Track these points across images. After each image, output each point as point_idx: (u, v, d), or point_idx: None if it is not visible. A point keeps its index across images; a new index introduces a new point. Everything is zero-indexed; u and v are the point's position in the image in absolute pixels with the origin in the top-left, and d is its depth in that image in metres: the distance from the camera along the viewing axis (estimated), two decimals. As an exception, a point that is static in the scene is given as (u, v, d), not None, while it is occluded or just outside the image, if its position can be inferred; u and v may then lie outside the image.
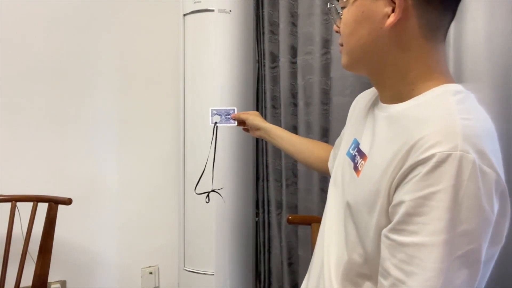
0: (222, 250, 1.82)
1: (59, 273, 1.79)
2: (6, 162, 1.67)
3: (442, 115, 0.58)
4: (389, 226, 0.59)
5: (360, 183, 0.70)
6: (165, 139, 2.03)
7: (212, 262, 1.81)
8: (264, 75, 1.96)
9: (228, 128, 1.78)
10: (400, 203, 0.57)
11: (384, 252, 0.60)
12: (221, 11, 1.77)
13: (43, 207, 1.48)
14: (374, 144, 0.70)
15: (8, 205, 1.49)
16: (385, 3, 0.64)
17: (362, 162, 0.71)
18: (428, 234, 0.54)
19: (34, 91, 1.73)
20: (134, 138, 1.97)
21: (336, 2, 0.75)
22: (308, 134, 1.79)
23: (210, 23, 1.78)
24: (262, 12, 1.94)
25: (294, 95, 1.86)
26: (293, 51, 1.85)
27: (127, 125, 1.95)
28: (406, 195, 0.56)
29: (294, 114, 1.87)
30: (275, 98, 1.94)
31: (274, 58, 1.94)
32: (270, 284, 2.01)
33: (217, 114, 1.32)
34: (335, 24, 0.77)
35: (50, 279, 1.52)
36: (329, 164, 1.07)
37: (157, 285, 2.07)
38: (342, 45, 0.74)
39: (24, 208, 1.50)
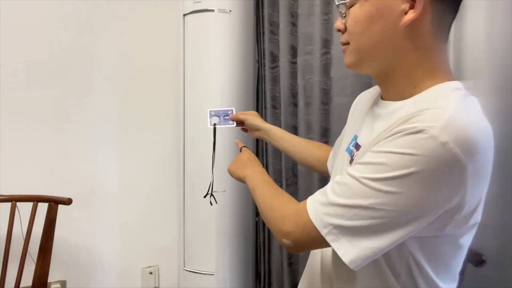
0: (222, 250, 1.82)
1: (59, 273, 1.79)
2: (6, 162, 1.67)
3: (439, 105, 0.60)
4: (353, 163, 0.66)
5: None
6: (165, 139, 2.03)
7: (212, 262, 1.81)
8: (264, 75, 1.96)
9: (228, 129, 1.78)
10: (367, 152, 0.64)
11: (337, 176, 0.67)
12: (221, 11, 1.77)
13: (43, 207, 1.48)
14: (370, 137, 0.71)
15: (8, 205, 1.49)
16: (402, 0, 0.63)
17: (356, 152, 0.74)
18: (368, 178, 0.60)
19: (34, 91, 1.73)
20: (134, 138, 1.97)
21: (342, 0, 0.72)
22: (308, 134, 1.79)
23: (210, 23, 1.78)
24: (262, 12, 1.94)
25: (294, 95, 1.86)
26: (293, 51, 1.85)
27: (127, 125, 1.95)
28: (375, 147, 0.62)
29: (294, 114, 1.87)
30: (275, 98, 1.94)
31: (274, 58, 1.94)
32: (270, 284, 2.01)
33: (216, 116, 1.32)
34: (342, 19, 0.72)
35: (50, 279, 1.52)
36: (328, 164, 1.07)
37: (157, 285, 2.07)
38: (346, 43, 0.72)
39: (24, 208, 1.50)
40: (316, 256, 0.84)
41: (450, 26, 0.68)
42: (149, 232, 2.02)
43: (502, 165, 1.17)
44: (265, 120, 1.97)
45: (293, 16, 1.84)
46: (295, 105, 1.85)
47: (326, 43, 1.72)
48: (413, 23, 0.63)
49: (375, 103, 0.78)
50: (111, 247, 1.94)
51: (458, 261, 0.68)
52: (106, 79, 1.89)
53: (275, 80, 1.93)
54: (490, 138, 0.61)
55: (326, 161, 1.10)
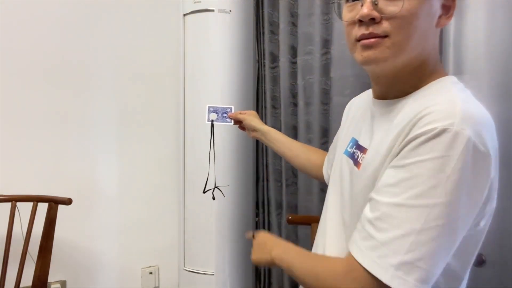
0: (222, 250, 1.82)
1: (59, 273, 1.79)
2: (6, 162, 1.67)
3: (445, 98, 0.61)
4: (376, 187, 0.62)
5: (360, 173, 0.71)
6: (165, 139, 2.03)
7: (212, 262, 1.81)
8: (264, 75, 1.96)
9: (227, 129, 1.78)
10: (391, 167, 0.60)
11: (365, 211, 0.62)
12: (221, 11, 1.77)
13: (43, 207, 1.48)
14: (373, 137, 0.71)
15: (8, 205, 1.49)
16: (439, 4, 0.66)
17: (363, 155, 0.72)
18: (410, 197, 0.56)
19: (34, 91, 1.73)
20: (134, 138, 1.97)
21: None
22: (308, 134, 1.79)
23: (210, 23, 1.78)
24: (262, 12, 1.94)
25: (294, 95, 1.86)
26: (293, 51, 1.85)
27: (127, 125, 1.95)
28: (399, 161, 0.59)
29: (294, 114, 1.87)
30: (275, 98, 1.94)
31: (274, 58, 1.94)
32: (270, 284, 2.01)
33: (214, 112, 1.31)
34: (375, 6, 0.64)
35: (50, 279, 1.52)
36: (324, 170, 1.07)
37: (157, 285, 2.07)
38: (382, 36, 0.65)
39: (24, 208, 1.50)
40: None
41: None
42: (149, 232, 2.02)
43: (502, 165, 1.17)
44: (265, 120, 1.97)
45: (293, 16, 1.84)
46: (295, 105, 1.85)
47: (326, 43, 1.72)
48: (442, 26, 0.67)
49: (371, 105, 0.78)
50: (111, 247, 1.94)
51: (476, 250, 0.67)
52: (106, 79, 1.89)
53: (275, 80, 1.93)
54: (494, 125, 0.62)
55: (321, 166, 1.10)
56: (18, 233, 1.50)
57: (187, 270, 1.88)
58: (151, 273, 2.04)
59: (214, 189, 1.40)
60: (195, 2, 1.78)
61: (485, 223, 0.64)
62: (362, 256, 0.59)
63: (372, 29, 0.64)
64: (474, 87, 0.68)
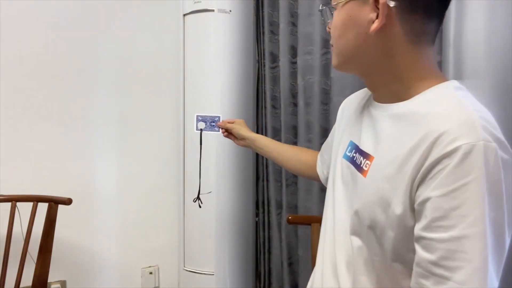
0: (222, 250, 1.82)
1: (59, 273, 1.79)
2: (6, 162, 1.67)
3: (457, 109, 0.60)
4: (421, 225, 0.58)
5: (369, 183, 0.69)
6: (165, 139, 2.02)
7: (212, 262, 1.81)
8: (264, 75, 1.96)
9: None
10: (428, 199, 0.57)
11: (421, 253, 0.59)
12: (221, 11, 1.77)
13: (43, 207, 1.48)
14: (379, 143, 0.69)
15: (8, 205, 1.49)
16: (370, 9, 0.65)
17: (368, 162, 0.70)
18: (468, 226, 0.54)
19: (34, 91, 1.73)
20: (134, 138, 1.97)
21: (329, 4, 0.76)
22: (308, 134, 1.79)
23: (210, 23, 1.78)
24: (262, 12, 1.94)
25: (294, 95, 1.86)
26: (293, 51, 1.85)
27: (127, 125, 1.95)
28: (435, 190, 0.56)
29: (294, 114, 1.87)
30: (275, 98, 1.94)
31: (274, 58, 1.94)
32: (270, 284, 2.01)
33: (202, 121, 1.34)
34: (327, 25, 0.78)
35: (50, 279, 1.52)
36: (319, 170, 1.06)
37: (157, 285, 2.07)
38: (333, 45, 0.76)
39: (24, 208, 1.50)
40: (326, 257, 0.82)
41: (435, 32, 0.68)
42: (149, 232, 2.02)
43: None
44: (265, 120, 1.97)
45: (293, 16, 1.84)
46: (295, 105, 1.85)
47: (326, 43, 1.72)
48: (383, 31, 0.65)
49: (369, 105, 0.78)
50: (111, 247, 1.94)
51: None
52: (106, 79, 1.89)
53: (275, 80, 1.93)
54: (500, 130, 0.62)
55: (313, 165, 1.10)
56: (18, 233, 1.50)
57: (187, 270, 1.88)
58: (151, 273, 2.04)
59: (197, 197, 1.47)
60: (195, 2, 1.78)
61: None
62: None
63: (331, 40, 0.76)
64: (476, 90, 0.68)
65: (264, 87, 1.97)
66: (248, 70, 1.91)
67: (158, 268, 2.07)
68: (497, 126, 0.60)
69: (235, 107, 1.84)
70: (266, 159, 1.97)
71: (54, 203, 1.48)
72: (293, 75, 1.85)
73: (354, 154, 0.76)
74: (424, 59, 0.68)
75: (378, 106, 0.74)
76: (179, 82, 1.89)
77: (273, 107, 1.95)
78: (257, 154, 2.01)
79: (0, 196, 1.52)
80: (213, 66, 1.78)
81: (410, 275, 0.63)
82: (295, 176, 1.87)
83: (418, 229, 0.59)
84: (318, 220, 1.19)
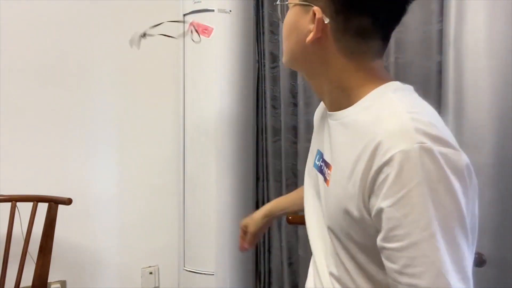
0: (222, 250, 1.82)
1: (59, 273, 1.79)
2: (6, 162, 1.67)
3: (390, 116, 0.61)
4: (381, 236, 0.59)
5: (331, 191, 0.71)
6: (165, 139, 2.02)
7: (212, 262, 1.81)
8: (264, 75, 1.96)
9: (227, 129, 1.79)
10: (381, 211, 0.58)
11: (386, 263, 0.60)
12: (221, 11, 1.77)
13: (43, 207, 1.48)
14: (334, 152, 0.72)
15: (8, 205, 1.49)
16: (310, 20, 0.67)
17: (328, 171, 0.73)
18: (422, 230, 0.55)
19: (34, 91, 1.73)
20: (134, 138, 1.97)
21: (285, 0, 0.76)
22: (308, 134, 1.79)
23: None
24: (262, 12, 1.94)
25: (294, 95, 1.86)
26: (293, 51, 1.85)
27: (127, 125, 1.95)
28: (384, 201, 0.58)
29: (294, 114, 1.87)
30: (275, 98, 1.94)
31: (274, 58, 1.94)
32: (270, 284, 2.01)
33: None
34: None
35: (50, 279, 1.52)
36: None
37: (157, 285, 2.07)
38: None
39: (24, 208, 1.50)
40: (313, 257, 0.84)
41: (378, 49, 0.69)
42: (149, 232, 2.02)
43: (502, 166, 1.17)
44: (265, 120, 1.97)
45: (293, 16, 1.83)
46: (295, 105, 1.85)
47: (326, 43, 1.71)
48: (318, 43, 0.68)
49: (326, 114, 0.79)
50: (111, 247, 1.94)
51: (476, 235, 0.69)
52: (105, 79, 1.89)
53: (275, 80, 1.93)
54: (440, 118, 0.64)
55: None
56: (18, 233, 1.50)
57: (187, 270, 1.88)
58: (151, 273, 2.04)
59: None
60: (195, 2, 1.78)
61: (477, 210, 0.64)
62: None
63: None
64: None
65: (264, 87, 1.96)
66: (248, 70, 1.91)
67: (158, 268, 2.07)
68: (434, 120, 0.60)
69: (235, 107, 1.84)
70: (267, 159, 1.97)
71: (54, 203, 1.48)
72: (293, 75, 1.85)
73: (322, 163, 0.78)
74: (361, 70, 0.69)
75: (330, 115, 0.75)
76: (179, 82, 1.89)
77: (273, 107, 1.95)
78: (257, 154, 2.01)
79: (0, 196, 1.52)
80: (213, 66, 1.78)
81: (373, 262, 0.66)
82: (295, 176, 1.87)
83: (379, 240, 0.60)
84: (318, 220, 1.18)
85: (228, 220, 1.84)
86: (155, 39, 2.01)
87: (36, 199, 1.50)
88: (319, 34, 0.67)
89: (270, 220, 1.15)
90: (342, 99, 0.70)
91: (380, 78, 0.69)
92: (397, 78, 1.48)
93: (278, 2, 0.77)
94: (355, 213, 0.64)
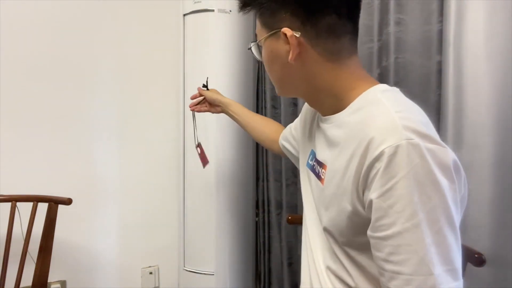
0: (222, 250, 1.82)
1: (59, 273, 1.79)
2: (6, 162, 1.67)
3: (380, 114, 0.65)
4: (369, 226, 0.63)
5: (326, 190, 0.76)
6: (165, 139, 2.03)
7: (212, 262, 1.81)
8: (264, 75, 1.96)
9: (227, 129, 1.79)
10: (370, 202, 0.62)
11: (373, 251, 0.64)
12: (221, 11, 1.77)
13: (43, 207, 1.48)
14: (330, 153, 0.76)
15: (8, 205, 1.49)
16: (283, 42, 0.73)
17: (323, 170, 0.77)
18: (405, 219, 0.58)
19: (34, 91, 1.73)
20: (134, 138, 1.97)
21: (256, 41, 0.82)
22: (308, 134, 1.79)
23: (210, 23, 1.78)
24: (262, 12, 1.94)
25: (294, 95, 1.86)
26: (293, 51, 1.85)
27: (127, 125, 1.95)
28: (373, 193, 0.61)
29: (294, 114, 1.87)
30: (275, 98, 1.94)
31: (274, 58, 1.93)
32: (270, 284, 2.01)
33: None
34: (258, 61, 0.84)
35: (50, 279, 1.52)
36: (282, 144, 1.15)
37: (157, 285, 2.07)
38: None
39: (24, 208, 1.50)
40: (305, 259, 0.87)
41: (350, 44, 0.75)
42: (149, 232, 2.02)
43: (502, 165, 1.17)
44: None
45: (293, 16, 1.83)
46: (295, 105, 1.85)
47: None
48: (301, 57, 0.72)
49: (318, 119, 0.84)
50: (111, 247, 1.94)
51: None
52: (106, 79, 1.89)
53: (275, 80, 1.93)
54: (425, 114, 0.68)
55: (275, 140, 1.19)
56: (18, 233, 1.50)
57: (187, 270, 1.88)
58: (151, 273, 2.04)
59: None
60: (195, 2, 1.78)
61: (464, 191, 0.66)
62: None
63: None
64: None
65: (264, 87, 1.97)
66: (248, 70, 1.91)
67: (158, 268, 2.07)
68: (421, 118, 0.65)
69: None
70: (267, 159, 1.97)
71: (54, 203, 1.48)
72: (293, 75, 1.85)
73: (314, 163, 0.84)
74: (346, 72, 0.74)
75: (324, 119, 0.81)
76: (179, 82, 1.89)
77: (273, 107, 1.95)
78: (257, 154, 2.01)
79: (0, 196, 1.52)
80: (213, 66, 1.78)
81: (365, 256, 0.70)
82: (295, 176, 1.87)
83: (368, 231, 0.64)
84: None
85: (228, 220, 1.84)
86: (155, 39, 2.01)
87: (36, 199, 1.50)
88: (298, 49, 0.71)
89: (224, 106, 1.33)
90: (335, 104, 0.75)
91: (367, 81, 0.75)
92: (397, 78, 1.49)
93: (250, 46, 0.83)
94: (349, 207, 0.67)
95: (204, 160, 1.54)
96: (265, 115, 1.96)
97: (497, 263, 1.16)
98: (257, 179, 2.04)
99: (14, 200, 1.49)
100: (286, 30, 0.71)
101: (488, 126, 1.18)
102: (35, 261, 1.47)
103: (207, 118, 1.81)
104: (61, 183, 1.75)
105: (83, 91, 1.84)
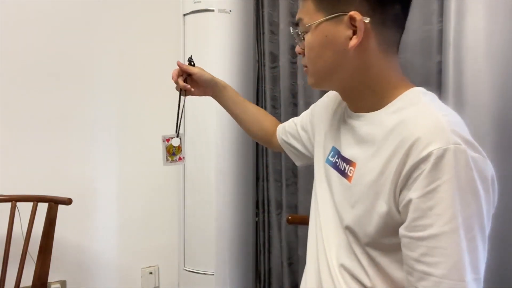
0: (222, 250, 1.82)
1: (59, 273, 1.79)
2: (6, 162, 1.67)
3: (427, 115, 0.65)
4: (404, 224, 0.63)
5: (353, 188, 0.73)
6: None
7: (212, 262, 1.81)
8: (264, 75, 1.96)
9: (227, 129, 1.78)
10: (409, 201, 0.61)
11: (405, 250, 0.63)
12: (221, 11, 1.77)
13: (43, 207, 1.48)
14: (361, 150, 0.74)
15: (8, 205, 1.49)
16: (345, 27, 0.69)
17: (351, 168, 0.75)
18: (444, 223, 0.58)
19: (34, 91, 1.73)
20: (134, 138, 1.97)
21: (297, 27, 0.77)
22: (308, 134, 1.79)
23: (210, 23, 1.78)
24: (262, 12, 1.94)
25: (294, 95, 1.86)
26: (293, 51, 1.85)
27: (127, 125, 1.95)
28: (414, 192, 0.61)
29: (294, 114, 1.86)
30: (275, 98, 1.94)
31: (274, 58, 1.94)
32: (270, 284, 2.01)
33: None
34: (298, 46, 0.79)
35: (50, 279, 1.52)
36: (284, 140, 1.09)
37: (157, 285, 2.07)
38: (306, 66, 0.78)
39: (24, 208, 1.50)
40: (314, 257, 0.84)
41: (399, 41, 0.75)
42: (149, 232, 2.02)
43: (502, 165, 1.17)
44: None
45: (293, 16, 1.83)
46: (295, 105, 1.85)
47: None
48: (360, 45, 0.69)
49: (346, 114, 0.82)
50: (111, 247, 1.94)
51: None
52: (106, 79, 1.89)
53: (275, 80, 1.93)
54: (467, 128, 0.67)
55: (274, 134, 1.12)
56: (18, 233, 1.50)
57: (187, 270, 1.88)
58: (151, 273, 2.04)
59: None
60: (195, 2, 1.78)
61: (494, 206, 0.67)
62: None
63: (303, 61, 0.79)
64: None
65: (264, 87, 1.96)
66: (248, 70, 1.91)
67: (158, 268, 2.07)
68: (465, 127, 0.65)
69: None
70: (267, 159, 1.97)
71: (54, 203, 1.48)
72: (293, 75, 1.85)
73: (337, 160, 0.81)
74: (392, 69, 0.73)
75: (355, 116, 0.78)
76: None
77: (273, 107, 1.95)
78: (257, 154, 2.01)
79: (0, 196, 1.52)
80: (213, 66, 1.78)
81: (387, 257, 0.69)
82: (295, 176, 1.87)
83: (402, 229, 0.64)
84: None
85: (228, 220, 1.84)
86: (155, 39, 2.01)
87: (36, 199, 1.50)
88: (362, 35, 0.68)
89: (216, 87, 1.14)
90: (374, 101, 0.73)
91: (406, 81, 0.74)
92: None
93: (297, 30, 0.76)
94: (384, 207, 0.66)
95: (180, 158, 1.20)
96: (265, 115, 1.96)
97: (496, 262, 1.16)
98: (257, 179, 2.04)
99: (14, 200, 1.49)
100: (355, 14, 0.67)
101: (488, 126, 1.18)
102: (35, 261, 1.47)
103: (207, 119, 1.81)
104: (61, 183, 1.75)
105: (83, 91, 1.84)
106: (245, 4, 1.86)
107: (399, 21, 0.72)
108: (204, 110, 1.82)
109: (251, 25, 1.92)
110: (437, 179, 0.59)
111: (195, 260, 1.87)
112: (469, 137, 0.62)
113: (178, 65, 1.07)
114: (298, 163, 1.10)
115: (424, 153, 0.60)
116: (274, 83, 1.94)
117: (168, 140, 1.23)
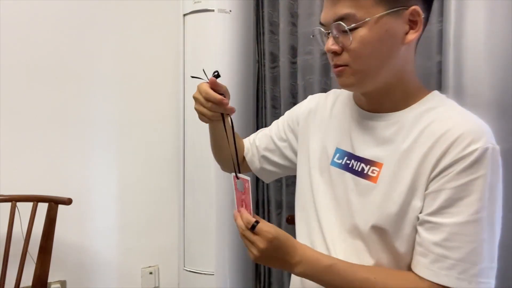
0: (222, 250, 1.82)
1: (59, 273, 1.79)
2: (6, 162, 1.67)
3: (464, 115, 0.69)
4: (429, 210, 0.66)
5: (380, 187, 0.72)
6: (165, 139, 2.02)
7: (212, 262, 1.81)
8: (264, 75, 1.96)
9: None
10: (441, 190, 0.65)
11: (424, 234, 0.66)
12: (221, 11, 1.77)
13: (43, 207, 1.48)
14: (387, 149, 0.72)
15: (8, 205, 1.49)
16: (403, 22, 0.69)
17: (375, 168, 0.73)
18: (471, 213, 0.63)
19: (34, 91, 1.73)
20: (134, 138, 1.97)
21: (341, 23, 0.69)
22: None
23: (210, 23, 1.78)
24: (262, 12, 1.94)
25: (294, 95, 1.86)
26: (293, 51, 1.85)
27: (127, 125, 1.95)
28: (448, 183, 0.65)
29: (294, 114, 1.87)
30: (275, 98, 1.94)
31: (274, 58, 1.94)
32: (270, 284, 2.01)
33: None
34: (336, 44, 0.71)
35: (50, 279, 1.52)
36: (250, 159, 1.03)
37: (157, 285, 2.07)
38: (344, 65, 0.71)
39: (24, 208, 1.50)
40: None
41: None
42: (149, 232, 2.02)
43: (502, 165, 1.17)
44: (265, 120, 1.97)
45: (293, 16, 1.84)
46: (295, 105, 1.85)
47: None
48: (411, 41, 0.70)
49: (358, 116, 0.79)
50: (111, 247, 1.94)
51: None
52: (106, 79, 1.89)
53: (275, 80, 1.93)
54: None
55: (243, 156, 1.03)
56: (18, 233, 1.50)
57: (187, 270, 1.88)
58: (151, 273, 2.04)
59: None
60: (195, 2, 1.78)
61: None
62: (444, 276, 0.64)
63: (335, 61, 0.72)
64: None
65: (264, 87, 1.96)
66: (248, 70, 1.91)
67: (158, 268, 2.07)
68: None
69: (235, 107, 1.83)
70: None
71: (54, 203, 1.48)
72: (293, 75, 1.85)
73: (348, 161, 0.78)
74: (414, 66, 0.75)
75: (375, 117, 0.76)
76: (179, 82, 1.89)
77: (273, 107, 1.95)
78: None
79: (0, 196, 1.52)
80: (213, 66, 1.78)
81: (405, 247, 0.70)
82: (295, 176, 1.87)
83: (424, 214, 0.67)
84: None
85: (228, 220, 1.84)
86: (155, 39, 2.01)
87: (36, 199, 1.50)
88: (421, 30, 0.70)
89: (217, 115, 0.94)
90: (398, 101, 0.74)
91: (420, 80, 0.76)
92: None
93: (352, 26, 0.68)
94: (419, 204, 0.68)
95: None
96: (265, 115, 1.97)
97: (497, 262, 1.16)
98: (257, 179, 2.03)
99: (14, 200, 1.49)
100: (418, 8, 0.68)
101: (488, 125, 1.18)
102: (35, 261, 1.47)
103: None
104: (61, 183, 1.75)
105: (83, 91, 1.84)
106: (245, 4, 1.86)
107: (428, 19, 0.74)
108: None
109: (251, 25, 1.92)
110: (474, 173, 0.63)
111: (195, 260, 1.87)
112: (495, 140, 0.67)
113: (210, 83, 0.89)
114: (269, 180, 1.08)
115: (468, 150, 0.64)
116: (274, 83, 1.94)
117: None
